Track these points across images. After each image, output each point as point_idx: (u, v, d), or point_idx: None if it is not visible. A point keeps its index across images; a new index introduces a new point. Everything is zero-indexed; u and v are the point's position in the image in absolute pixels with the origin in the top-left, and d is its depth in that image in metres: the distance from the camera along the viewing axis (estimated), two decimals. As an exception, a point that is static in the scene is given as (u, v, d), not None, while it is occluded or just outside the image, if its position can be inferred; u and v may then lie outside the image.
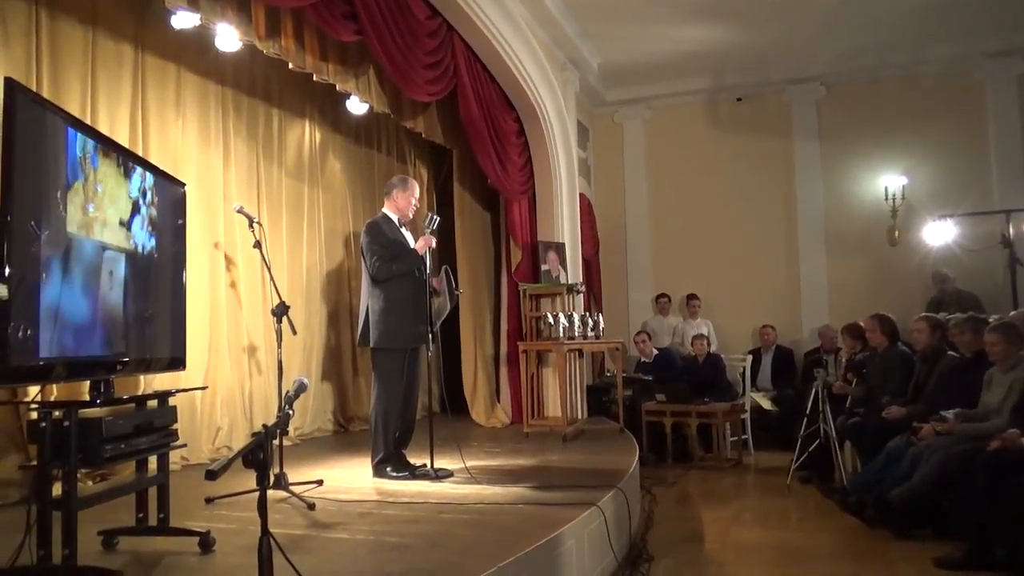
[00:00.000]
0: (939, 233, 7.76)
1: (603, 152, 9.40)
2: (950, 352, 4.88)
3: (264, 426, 1.85)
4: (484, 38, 5.98)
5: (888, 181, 8.05)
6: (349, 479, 4.30)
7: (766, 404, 7.30)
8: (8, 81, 2.41)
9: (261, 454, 1.75)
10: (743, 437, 6.93)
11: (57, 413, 2.45)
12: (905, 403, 4.95)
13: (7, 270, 2.27)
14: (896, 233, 8.01)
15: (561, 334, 6.00)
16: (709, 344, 7.50)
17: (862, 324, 6.07)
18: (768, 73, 8.47)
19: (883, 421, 4.88)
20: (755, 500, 5.39)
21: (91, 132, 2.97)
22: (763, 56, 8.14)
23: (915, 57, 7.97)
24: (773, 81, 8.56)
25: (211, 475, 1.69)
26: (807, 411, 5.52)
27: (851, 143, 8.35)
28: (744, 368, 7.16)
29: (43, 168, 2.51)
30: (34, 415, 2.46)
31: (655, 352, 7.65)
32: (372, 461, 4.32)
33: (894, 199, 8.01)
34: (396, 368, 4.28)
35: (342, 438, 6.14)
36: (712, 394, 6.72)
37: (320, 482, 4.11)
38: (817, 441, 5.38)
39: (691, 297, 8.57)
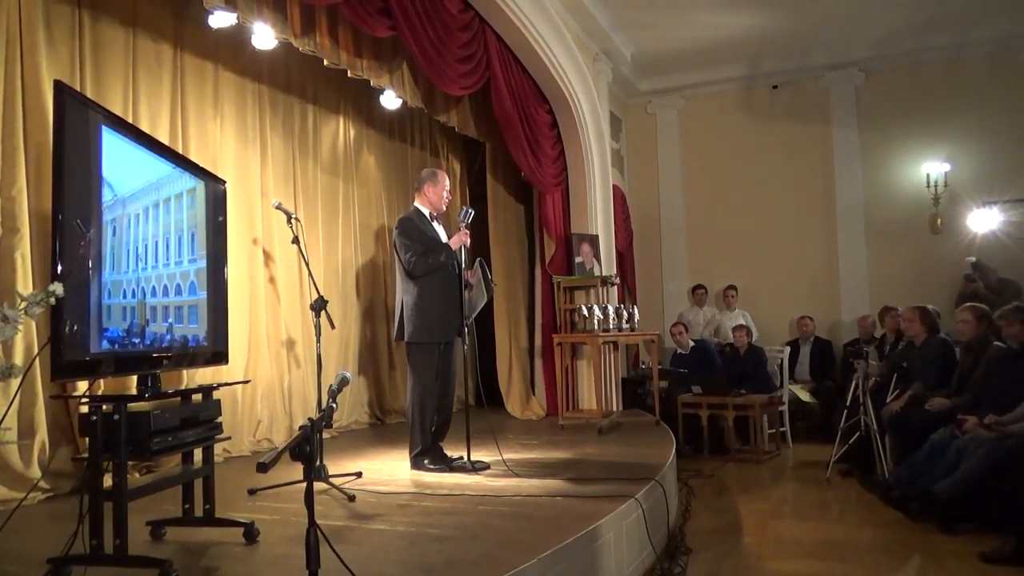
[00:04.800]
0: (984, 220, 7.58)
1: (637, 143, 9.33)
2: (996, 342, 4.77)
3: (310, 419, 1.88)
4: (516, 30, 5.97)
5: (930, 168, 7.88)
6: (387, 471, 4.35)
7: (805, 396, 7.21)
8: (58, 84, 2.47)
9: (308, 447, 1.78)
10: (781, 429, 6.85)
11: (107, 407, 2.51)
12: (949, 394, 4.86)
13: (59, 267, 2.33)
14: (938, 221, 7.83)
15: (596, 326, 5.98)
16: (750, 335, 7.42)
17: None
18: (805, 59, 8.33)
19: (926, 413, 4.80)
20: (794, 493, 5.33)
21: (134, 131, 3.03)
22: (800, 42, 8.00)
23: (958, 38, 7.75)
24: (810, 67, 8.41)
25: (262, 467, 1.72)
26: (847, 403, 5.45)
27: (891, 129, 8.18)
28: (782, 360, 7.07)
29: (88, 167, 2.57)
30: (85, 409, 2.53)
31: (691, 344, 7.59)
32: (410, 454, 4.36)
33: (936, 186, 7.84)
34: (431, 362, 4.32)
35: (379, 431, 6.20)
36: (749, 386, 6.65)
37: (359, 474, 4.15)
38: (858, 433, 5.31)
39: (728, 288, 8.48)
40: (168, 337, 3.07)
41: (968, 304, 5.16)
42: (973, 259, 7.25)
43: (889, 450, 5.14)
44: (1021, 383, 4.19)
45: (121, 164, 2.82)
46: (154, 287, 3.01)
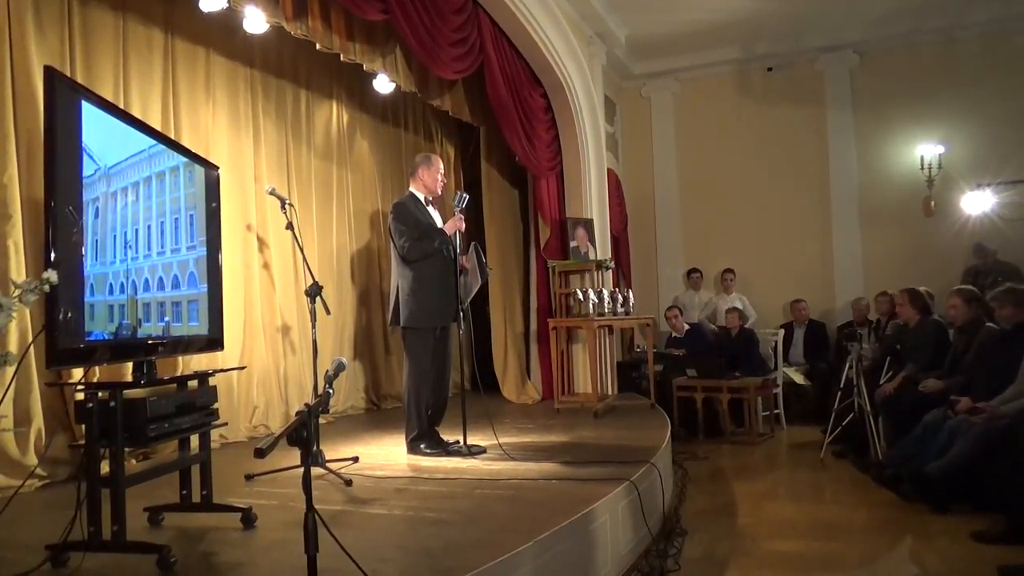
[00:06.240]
0: (977, 202, 7.61)
1: (631, 127, 9.30)
2: (989, 324, 4.79)
3: (307, 405, 1.88)
4: (510, 13, 5.93)
5: (924, 150, 7.88)
6: (384, 456, 4.36)
7: (799, 379, 7.25)
8: (48, 70, 2.45)
9: (305, 433, 1.78)
10: (775, 412, 6.90)
11: (103, 394, 2.50)
12: (942, 376, 4.89)
13: (53, 255, 2.32)
14: (932, 203, 7.85)
15: (591, 310, 5.99)
16: (744, 318, 7.45)
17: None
18: (800, 42, 8.30)
19: (919, 394, 4.83)
20: (788, 474, 5.37)
21: (126, 117, 3.00)
22: (795, 24, 7.97)
23: (953, 21, 7.74)
24: (805, 50, 8.38)
25: (259, 453, 1.72)
26: (841, 385, 5.48)
27: (886, 112, 8.17)
28: (776, 343, 7.10)
29: (79, 154, 2.55)
30: (80, 396, 2.52)
31: (686, 327, 7.62)
32: (406, 438, 4.38)
33: (930, 168, 7.85)
34: (426, 347, 4.32)
35: (375, 416, 6.22)
36: (744, 369, 6.68)
37: (356, 459, 4.17)
38: (851, 415, 5.35)
39: (726, 271, 8.50)
40: (164, 338, 2.98)
41: (956, 288, 5.17)
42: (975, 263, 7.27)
43: (882, 431, 5.17)
44: (1013, 364, 4.22)
45: (104, 134, 2.67)
46: (147, 279, 2.86)
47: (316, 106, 6.11)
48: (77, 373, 3.64)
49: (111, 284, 2.67)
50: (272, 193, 4.46)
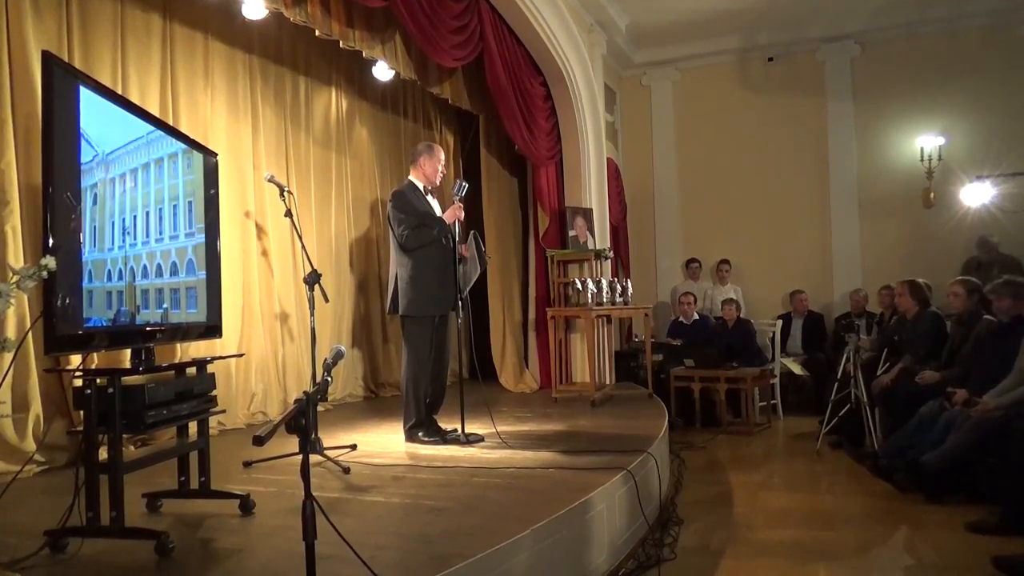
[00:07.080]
0: (976, 194, 7.61)
1: (631, 115, 9.28)
2: (987, 316, 4.80)
3: (305, 393, 1.88)
4: (511, 1, 5.89)
5: (924, 141, 7.88)
6: (382, 444, 4.37)
7: (797, 369, 7.26)
8: (46, 55, 2.43)
9: (303, 420, 1.79)
10: (772, 402, 6.91)
11: (101, 380, 2.51)
12: (939, 367, 4.90)
13: (51, 241, 2.31)
14: (931, 195, 7.85)
15: (589, 300, 5.99)
16: (739, 309, 7.46)
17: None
18: (801, 31, 8.27)
19: (916, 386, 4.85)
20: (784, 464, 5.39)
21: (125, 103, 2.98)
22: (796, 14, 7.93)
23: (954, 12, 7.71)
24: (806, 40, 8.35)
25: (258, 440, 1.72)
26: (838, 375, 5.50)
27: (886, 103, 8.15)
28: (774, 333, 7.11)
29: (77, 140, 2.54)
30: (79, 382, 2.53)
31: (696, 317, 7.62)
32: (404, 426, 4.39)
33: (930, 160, 7.84)
34: (425, 335, 4.33)
35: (373, 404, 6.23)
36: (741, 359, 6.69)
37: (354, 447, 4.18)
38: (848, 406, 5.36)
39: (721, 262, 8.51)
40: (163, 325, 2.97)
41: (959, 278, 5.19)
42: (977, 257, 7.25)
43: (879, 422, 5.19)
44: (1009, 356, 4.23)
45: (102, 120, 2.66)
46: (145, 266, 2.86)
47: (315, 93, 6.08)
48: (75, 359, 3.65)
49: (109, 270, 2.67)
50: (271, 180, 4.45)
